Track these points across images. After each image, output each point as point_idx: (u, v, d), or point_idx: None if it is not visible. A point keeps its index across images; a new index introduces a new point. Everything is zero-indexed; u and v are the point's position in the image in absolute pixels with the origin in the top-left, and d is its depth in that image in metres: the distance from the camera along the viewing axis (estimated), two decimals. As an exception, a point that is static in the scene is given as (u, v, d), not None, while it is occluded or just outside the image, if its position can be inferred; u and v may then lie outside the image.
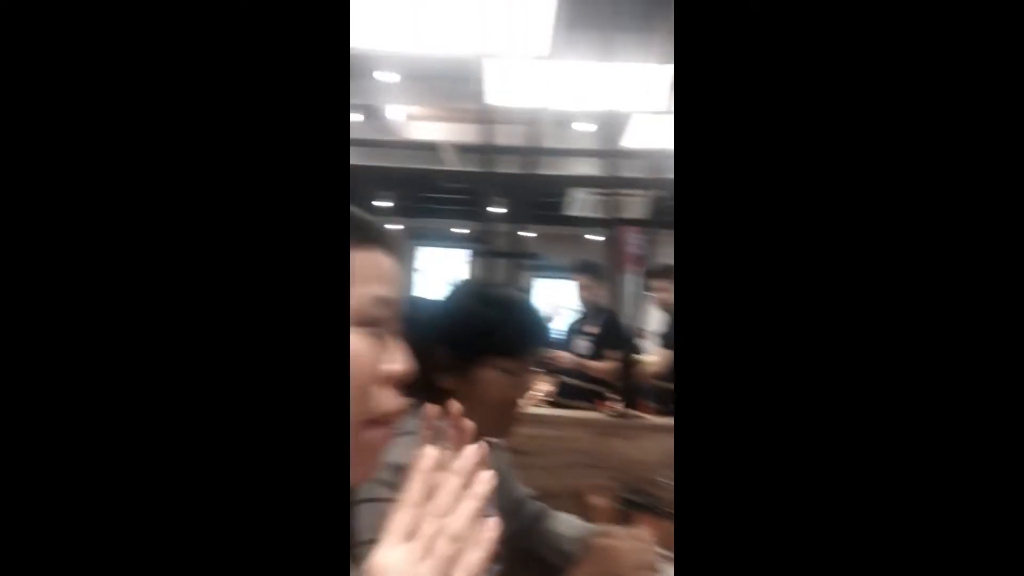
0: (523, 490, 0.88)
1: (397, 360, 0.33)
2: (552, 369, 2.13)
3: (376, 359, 0.32)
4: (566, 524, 0.85)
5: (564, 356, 2.13)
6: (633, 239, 3.55)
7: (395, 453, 0.38)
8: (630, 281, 3.11)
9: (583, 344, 2.21)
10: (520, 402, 0.72)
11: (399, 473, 0.32)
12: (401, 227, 6.66)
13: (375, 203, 5.89)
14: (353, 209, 0.32)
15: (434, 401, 0.41)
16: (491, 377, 0.68)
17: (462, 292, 0.75)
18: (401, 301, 0.35)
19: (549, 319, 0.81)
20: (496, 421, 0.69)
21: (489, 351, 0.68)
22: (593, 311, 2.30)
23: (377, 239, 0.34)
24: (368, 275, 0.32)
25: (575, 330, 2.34)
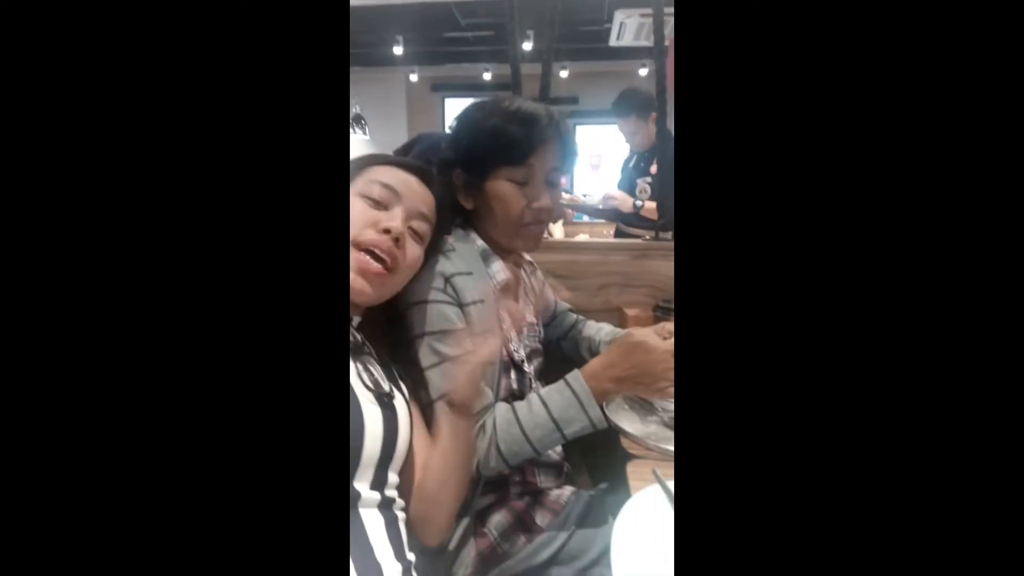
0: (562, 304, 0.99)
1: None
2: (609, 216, 2.08)
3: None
4: (601, 330, 0.97)
5: (620, 197, 1.99)
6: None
7: (443, 265, 0.69)
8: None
9: (641, 187, 2.03)
10: (537, 210, 0.74)
11: (446, 282, 0.68)
12: (415, 77, 5.99)
13: (388, 50, 5.21)
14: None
15: (459, 219, 0.77)
16: (502, 190, 0.73)
17: (466, 112, 0.77)
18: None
19: (557, 124, 0.76)
20: (518, 234, 0.76)
21: (495, 162, 0.72)
22: (646, 153, 2.06)
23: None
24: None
25: (630, 175, 2.14)
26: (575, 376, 0.67)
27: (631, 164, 2.17)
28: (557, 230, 2.65)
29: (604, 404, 0.74)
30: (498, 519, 0.74)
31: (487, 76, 5.70)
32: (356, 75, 6.07)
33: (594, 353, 0.90)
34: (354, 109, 6.13)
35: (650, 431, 0.71)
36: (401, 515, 0.59)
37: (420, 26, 4.80)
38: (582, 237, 2.61)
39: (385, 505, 0.57)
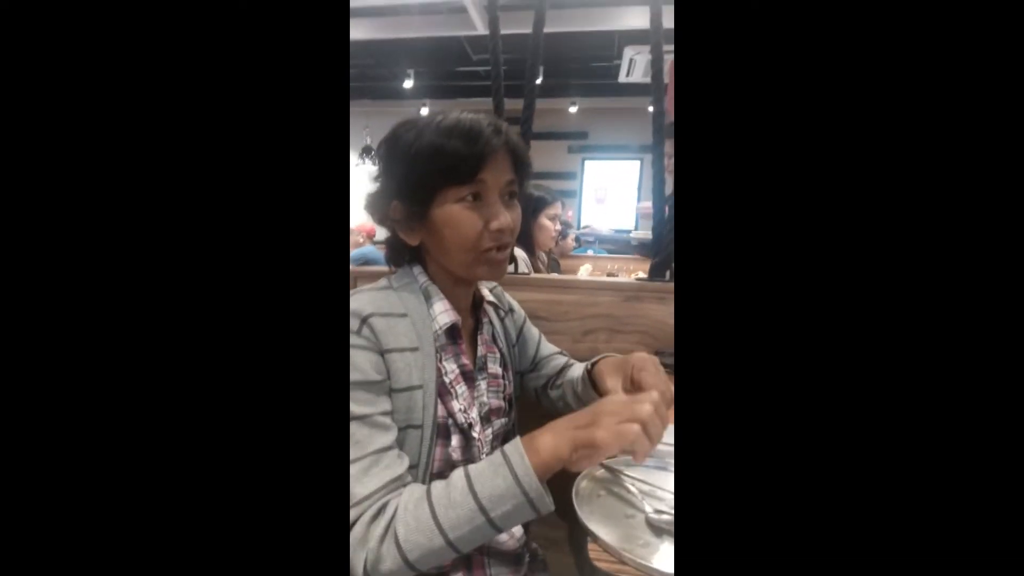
0: (548, 348, 0.85)
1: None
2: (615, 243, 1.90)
3: None
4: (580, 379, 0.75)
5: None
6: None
7: (360, 303, 0.58)
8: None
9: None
10: (497, 232, 0.61)
11: (362, 323, 0.55)
12: (426, 111, 6.05)
13: (399, 84, 5.26)
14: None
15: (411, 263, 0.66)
16: (452, 214, 0.60)
17: (393, 134, 0.64)
18: None
19: (504, 133, 0.63)
20: (478, 262, 0.62)
21: (439, 184, 0.60)
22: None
23: None
24: None
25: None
26: (514, 441, 0.50)
27: None
28: (583, 271, 2.48)
29: (574, 491, 0.61)
30: None
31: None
32: (367, 108, 6.16)
33: (579, 397, 0.73)
34: (365, 140, 6.22)
35: (629, 534, 0.54)
36: None
37: (431, 60, 4.86)
38: (585, 270, 2.49)
39: None
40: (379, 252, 3.72)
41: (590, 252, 3.12)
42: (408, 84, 5.20)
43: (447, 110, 0.63)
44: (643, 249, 1.72)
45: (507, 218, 0.61)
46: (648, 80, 1.25)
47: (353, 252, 3.42)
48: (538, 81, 1.22)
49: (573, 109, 5.76)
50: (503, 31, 1.20)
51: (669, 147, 1.19)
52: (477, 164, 0.59)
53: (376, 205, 0.65)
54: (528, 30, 1.17)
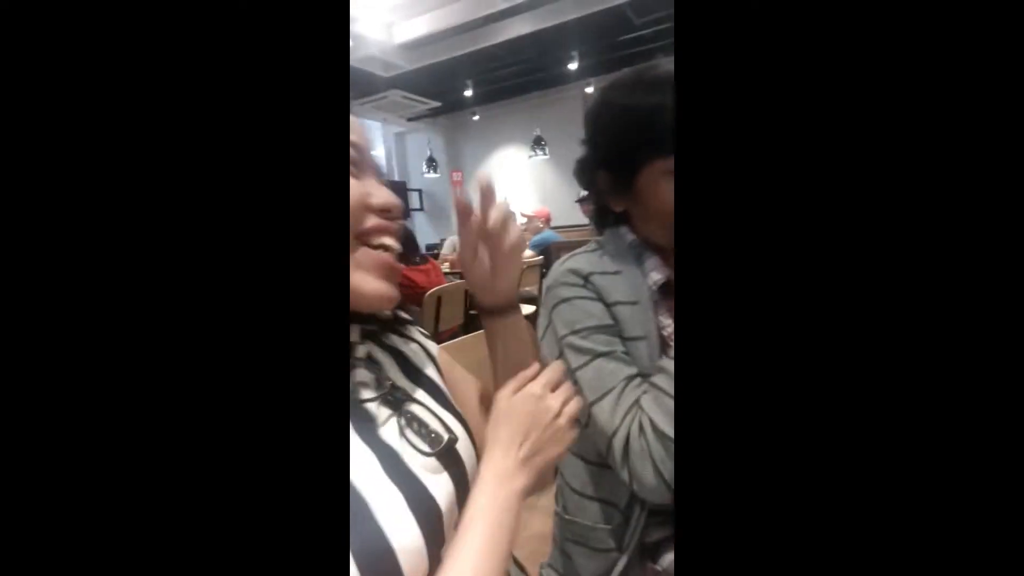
0: None
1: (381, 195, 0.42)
2: None
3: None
4: None
5: None
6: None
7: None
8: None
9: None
10: None
11: (585, 280, 0.61)
12: (591, 89, 5.92)
13: (564, 68, 5.28)
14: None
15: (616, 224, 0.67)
16: (657, 186, 0.59)
17: (601, 97, 0.63)
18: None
19: None
20: None
21: (646, 157, 0.58)
22: None
23: None
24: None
25: None
26: None
27: None
28: None
29: None
30: (672, 558, 0.59)
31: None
32: (534, 99, 6.33)
33: None
34: (535, 131, 6.41)
35: None
36: None
37: (593, 37, 4.76)
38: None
39: None
40: (558, 235, 3.80)
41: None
42: (572, 67, 5.19)
43: (654, 64, 0.61)
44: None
45: None
46: None
47: (535, 238, 3.56)
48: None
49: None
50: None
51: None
52: None
53: (583, 172, 0.67)
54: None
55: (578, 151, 0.67)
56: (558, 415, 0.42)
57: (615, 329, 0.58)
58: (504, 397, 0.42)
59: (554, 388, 0.43)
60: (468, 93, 5.79)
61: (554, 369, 0.44)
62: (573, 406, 0.43)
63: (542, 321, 0.63)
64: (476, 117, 6.59)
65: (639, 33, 4.75)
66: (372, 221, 0.41)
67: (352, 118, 0.41)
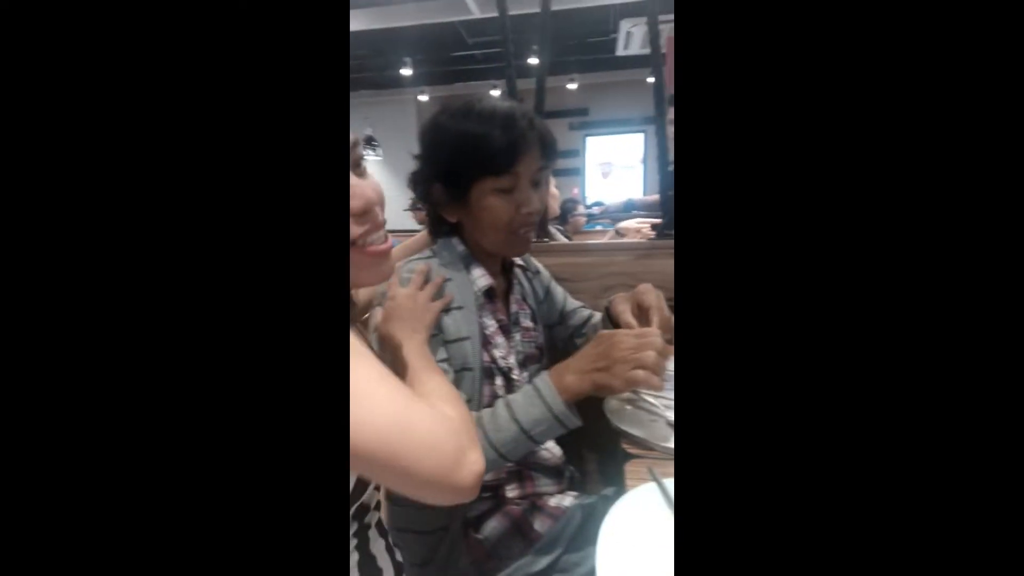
0: (572, 303, 0.94)
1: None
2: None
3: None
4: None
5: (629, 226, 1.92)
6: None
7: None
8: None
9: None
10: (526, 215, 0.70)
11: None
12: (426, 97, 6.07)
13: (397, 72, 5.30)
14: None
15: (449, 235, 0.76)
16: (488, 201, 0.69)
17: (434, 120, 0.71)
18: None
19: (532, 122, 0.70)
20: (508, 241, 0.71)
21: (477, 174, 0.68)
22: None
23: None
24: None
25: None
26: (541, 376, 0.63)
27: None
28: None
29: (604, 407, 0.71)
30: (493, 525, 0.70)
31: (495, 93, 5.77)
32: (366, 98, 6.20)
33: None
34: (366, 131, 6.27)
35: (653, 432, 0.67)
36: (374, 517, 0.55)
37: (428, 47, 4.89)
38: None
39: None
40: (397, 240, 3.79)
41: (599, 227, 3.17)
42: (407, 72, 5.24)
43: (479, 96, 0.70)
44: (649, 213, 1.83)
45: (537, 203, 0.71)
46: (647, 51, 1.29)
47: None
48: (533, 60, 1.28)
49: (572, 86, 5.76)
50: (492, 14, 1.26)
51: (671, 115, 1.26)
52: (513, 158, 0.66)
53: (418, 184, 0.75)
54: (523, 11, 1.22)
55: (410, 157, 0.75)
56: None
57: (437, 339, 0.66)
58: None
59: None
60: (293, 80, 5.44)
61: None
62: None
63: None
64: (301, 107, 6.21)
65: (470, 52, 5.01)
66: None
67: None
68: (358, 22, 4.26)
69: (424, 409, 0.43)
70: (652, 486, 0.55)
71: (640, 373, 0.56)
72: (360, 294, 0.69)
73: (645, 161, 6.17)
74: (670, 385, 0.76)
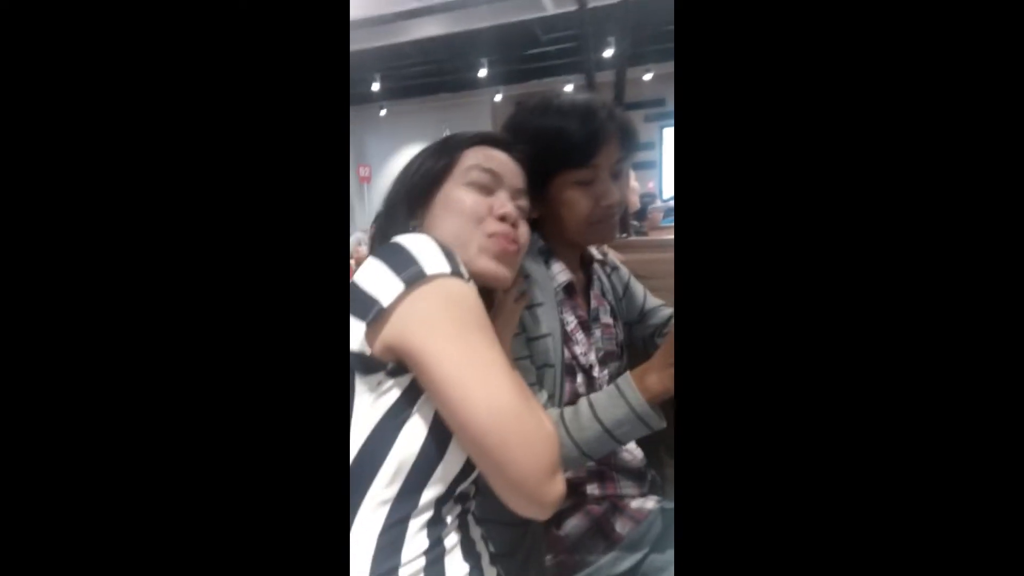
0: (653, 301, 0.92)
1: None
2: None
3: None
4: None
5: None
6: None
7: None
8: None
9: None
10: (606, 207, 0.70)
11: None
12: (499, 97, 6.13)
13: (473, 74, 5.40)
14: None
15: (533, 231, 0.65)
16: (568, 194, 0.69)
17: (515, 116, 0.71)
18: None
19: (612, 113, 0.69)
20: (589, 231, 0.71)
21: (557, 167, 0.67)
22: None
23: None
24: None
25: None
26: (624, 375, 0.62)
27: None
28: None
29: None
30: (574, 523, 0.71)
31: (569, 88, 5.73)
32: (444, 101, 6.38)
33: None
34: (444, 131, 6.44)
35: None
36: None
37: (502, 47, 4.94)
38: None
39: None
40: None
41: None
42: (482, 73, 5.33)
43: (557, 92, 0.70)
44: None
45: (616, 194, 0.70)
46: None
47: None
48: (607, 53, 1.27)
49: (647, 77, 5.59)
50: (560, 10, 1.26)
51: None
52: (593, 150, 0.66)
53: None
54: (599, 2, 1.20)
55: None
56: None
57: (520, 338, 0.66)
58: None
59: None
60: (375, 87, 5.71)
61: None
62: None
63: None
64: (383, 112, 6.50)
65: (544, 49, 5.00)
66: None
67: (496, 152, 0.58)
68: (434, 27, 4.39)
69: (541, 415, 0.44)
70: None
71: None
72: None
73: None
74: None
